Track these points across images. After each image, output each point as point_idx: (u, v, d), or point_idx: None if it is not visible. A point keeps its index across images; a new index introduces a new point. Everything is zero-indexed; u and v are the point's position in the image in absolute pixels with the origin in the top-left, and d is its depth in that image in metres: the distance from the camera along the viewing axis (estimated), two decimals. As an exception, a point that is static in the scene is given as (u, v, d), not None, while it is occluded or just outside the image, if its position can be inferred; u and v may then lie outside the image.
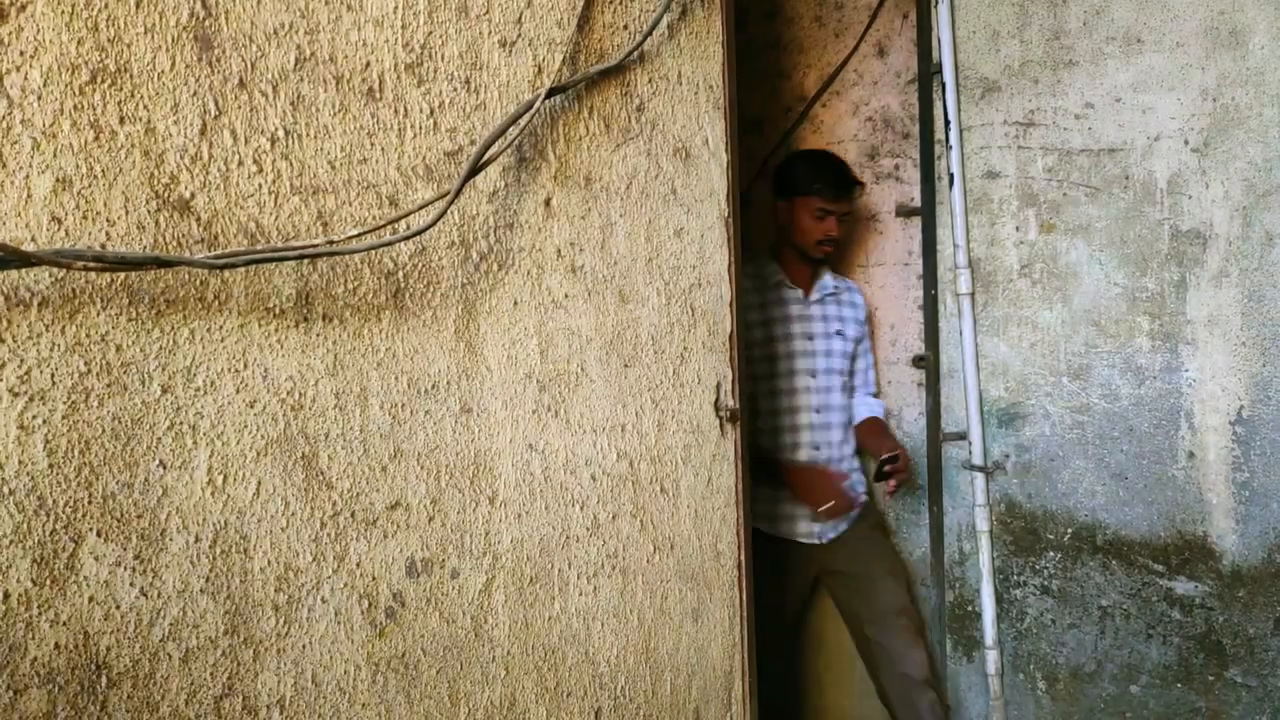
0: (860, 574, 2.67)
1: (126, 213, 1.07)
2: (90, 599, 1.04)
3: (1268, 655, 2.42)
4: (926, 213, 2.83)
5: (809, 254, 2.61)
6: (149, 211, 1.09)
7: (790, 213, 2.59)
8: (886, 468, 2.48)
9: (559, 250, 1.59)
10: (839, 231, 2.58)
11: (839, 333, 2.68)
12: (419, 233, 1.32)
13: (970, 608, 2.82)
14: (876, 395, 2.95)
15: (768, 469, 2.65)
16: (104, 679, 1.05)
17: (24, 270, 0.99)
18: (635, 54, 1.72)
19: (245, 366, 1.18)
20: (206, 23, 1.14)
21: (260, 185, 1.19)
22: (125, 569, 1.07)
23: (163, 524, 1.10)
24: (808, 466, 2.60)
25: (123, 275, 1.06)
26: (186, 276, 1.12)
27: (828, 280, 2.72)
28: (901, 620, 2.63)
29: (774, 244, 2.75)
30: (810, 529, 2.65)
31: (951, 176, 2.64)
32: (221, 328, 1.16)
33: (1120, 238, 2.52)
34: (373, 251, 1.30)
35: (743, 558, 2.02)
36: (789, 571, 2.68)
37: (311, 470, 1.24)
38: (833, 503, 2.51)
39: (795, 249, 2.65)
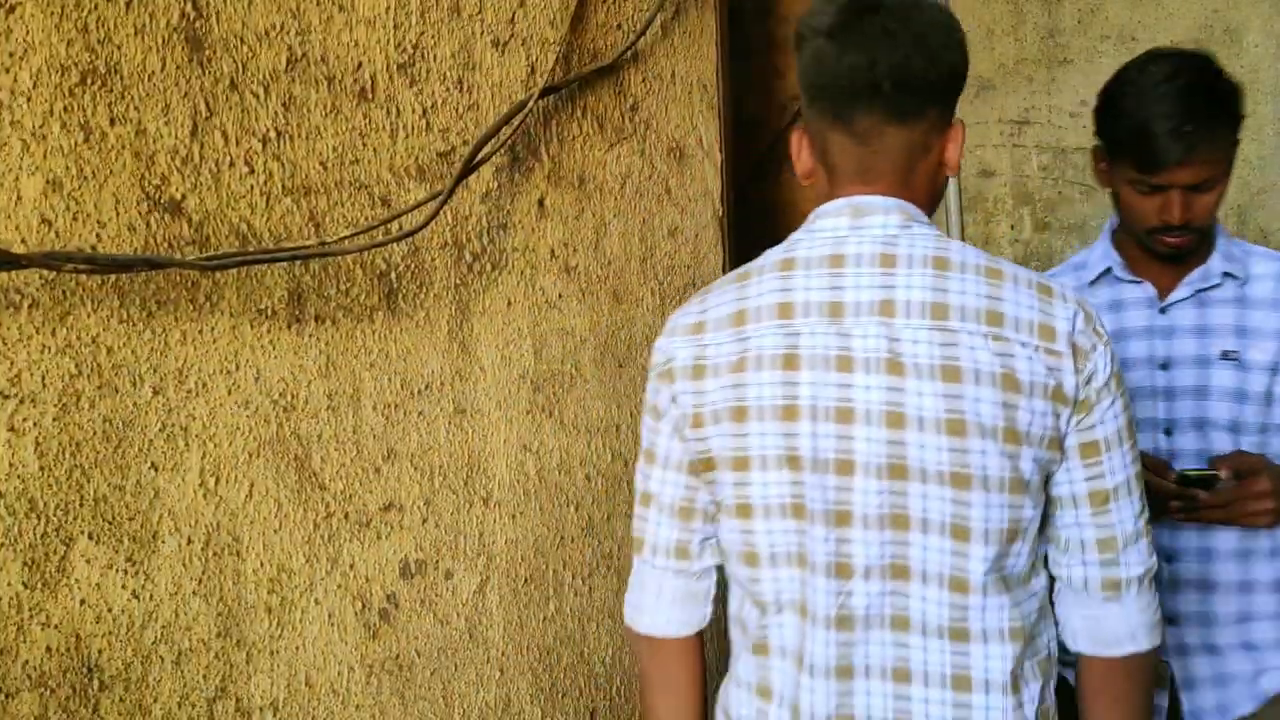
0: None
1: (117, 214, 1.07)
2: (82, 602, 1.04)
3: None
4: (922, 211, 2.84)
5: (1145, 246, 1.46)
6: (140, 213, 1.08)
7: (1109, 176, 1.47)
8: (1208, 495, 1.31)
9: (552, 250, 1.59)
10: (1189, 214, 1.37)
11: (1229, 355, 1.44)
12: (412, 233, 1.32)
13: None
14: None
15: None
16: (96, 682, 1.05)
17: (14, 272, 0.98)
18: (629, 53, 1.72)
19: (237, 368, 1.18)
20: (197, 24, 1.14)
21: (252, 186, 1.19)
22: (117, 571, 1.07)
23: (155, 526, 1.10)
24: None
25: (113, 277, 1.06)
26: (178, 278, 1.12)
27: (1214, 264, 1.46)
28: None
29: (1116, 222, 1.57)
30: (1156, 703, 1.41)
31: (947, 175, 2.65)
32: (213, 329, 1.15)
33: (1115, 236, 2.52)
34: (365, 252, 1.30)
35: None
36: None
37: (304, 472, 1.24)
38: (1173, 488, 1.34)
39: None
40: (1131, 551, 1.00)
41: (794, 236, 1.04)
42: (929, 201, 1.04)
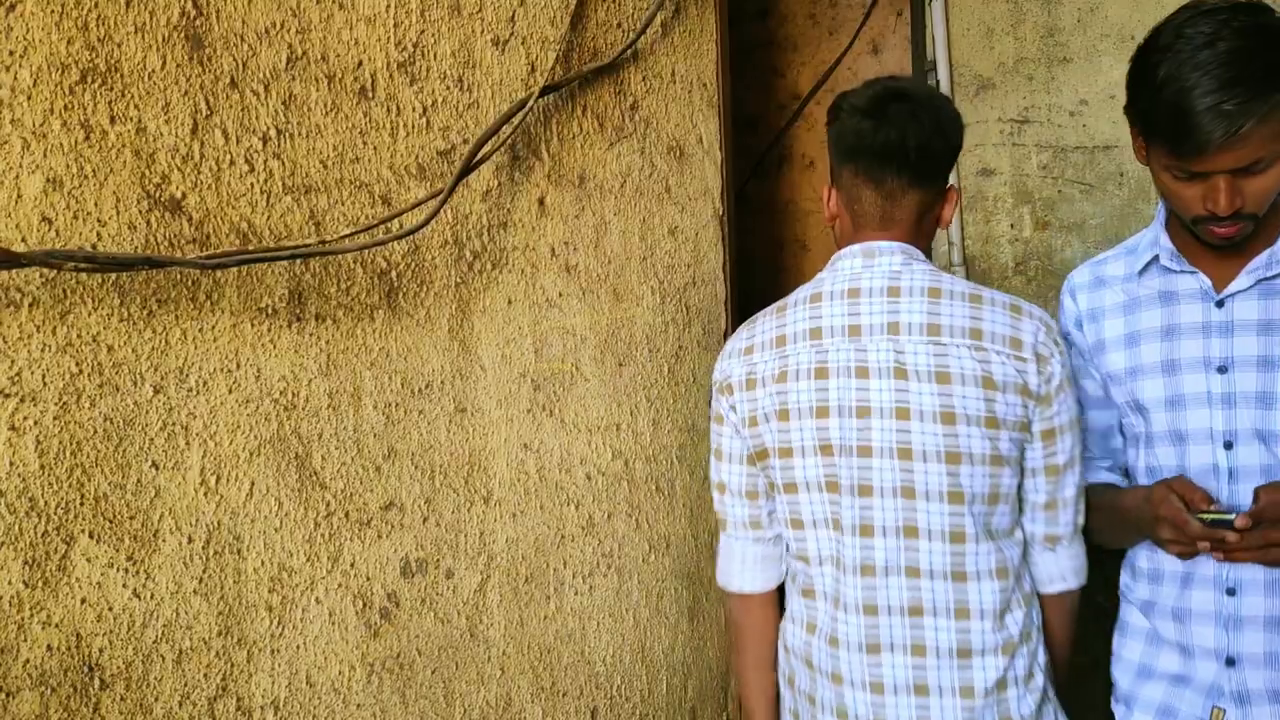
0: None
1: (117, 213, 1.06)
2: (82, 600, 1.04)
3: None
4: (921, 210, 2.83)
5: (1194, 235, 1.26)
6: (140, 211, 1.08)
7: (1146, 155, 1.26)
8: (1236, 523, 1.17)
9: (553, 249, 1.59)
10: (1239, 202, 1.15)
11: None
12: (412, 232, 1.31)
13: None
14: None
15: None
16: (97, 681, 1.05)
17: (14, 271, 0.98)
18: (629, 52, 1.71)
19: (238, 366, 1.17)
20: (197, 22, 1.13)
21: (252, 185, 1.19)
22: (118, 570, 1.07)
23: (155, 525, 1.10)
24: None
25: (114, 276, 1.06)
26: (178, 276, 1.12)
27: None
28: None
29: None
30: (1198, 714, 1.29)
31: (946, 174, 2.64)
32: (214, 328, 1.15)
33: (1115, 235, 2.52)
34: (365, 251, 1.30)
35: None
36: None
37: (305, 470, 1.24)
38: (1169, 523, 1.24)
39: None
40: (1068, 511, 1.33)
41: (819, 276, 1.37)
42: (928, 244, 1.39)
